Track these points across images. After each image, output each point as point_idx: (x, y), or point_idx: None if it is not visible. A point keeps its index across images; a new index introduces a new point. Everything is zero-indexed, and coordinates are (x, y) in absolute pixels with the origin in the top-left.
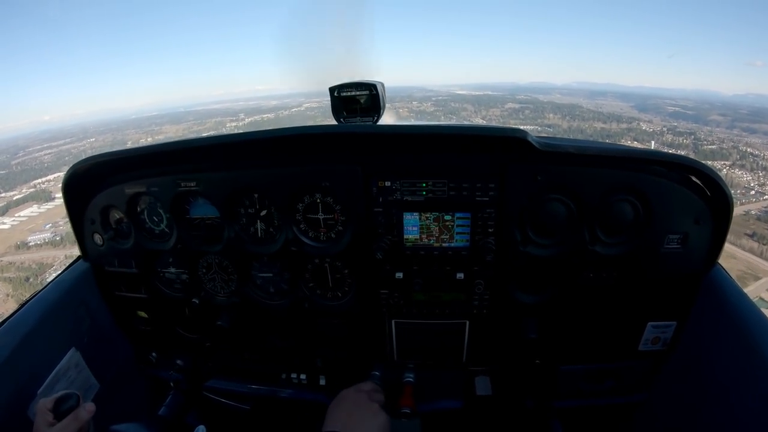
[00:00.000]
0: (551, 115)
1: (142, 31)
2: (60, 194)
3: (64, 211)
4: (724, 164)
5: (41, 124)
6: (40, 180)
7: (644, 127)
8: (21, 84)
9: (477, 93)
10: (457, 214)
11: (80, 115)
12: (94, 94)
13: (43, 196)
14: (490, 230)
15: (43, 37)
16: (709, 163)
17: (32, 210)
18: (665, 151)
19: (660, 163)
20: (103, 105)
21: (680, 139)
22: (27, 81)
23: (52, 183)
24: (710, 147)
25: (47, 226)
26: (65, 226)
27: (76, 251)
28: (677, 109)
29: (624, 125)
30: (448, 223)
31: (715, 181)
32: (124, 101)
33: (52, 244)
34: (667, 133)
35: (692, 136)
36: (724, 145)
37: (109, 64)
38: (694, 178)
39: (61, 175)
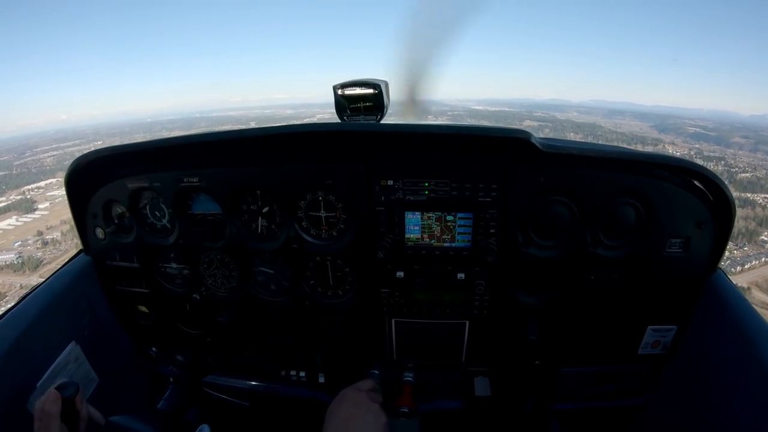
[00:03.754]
0: (572, 134)
1: (164, 35)
2: (43, 204)
3: (38, 226)
4: (766, 198)
5: (58, 123)
6: (30, 186)
7: (670, 150)
8: (42, 82)
9: (494, 109)
10: (459, 215)
11: (97, 116)
12: (113, 96)
13: (25, 206)
14: (492, 231)
15: (67, 37)
16: (749, 195)
17: (9, 222)
18: (668, 154)
19: (663, 167)
20: (120, 107)
21: (710, 164)
22: (48, 79)
23: (42, 190)
24: (744, 175)
25: (16, 245)
26: (33, 245)
27: (35, 280)
28: (698, 129)
29: (649, 147)
30: (449, 223)
31: (717, 185)
32: (142, 104)
33: (12, 268)
34: (696, 157)
35: (723, 162)
36: (758, 173)
37: (130, 67)
38: (696, 182)
39: (53, 181)
